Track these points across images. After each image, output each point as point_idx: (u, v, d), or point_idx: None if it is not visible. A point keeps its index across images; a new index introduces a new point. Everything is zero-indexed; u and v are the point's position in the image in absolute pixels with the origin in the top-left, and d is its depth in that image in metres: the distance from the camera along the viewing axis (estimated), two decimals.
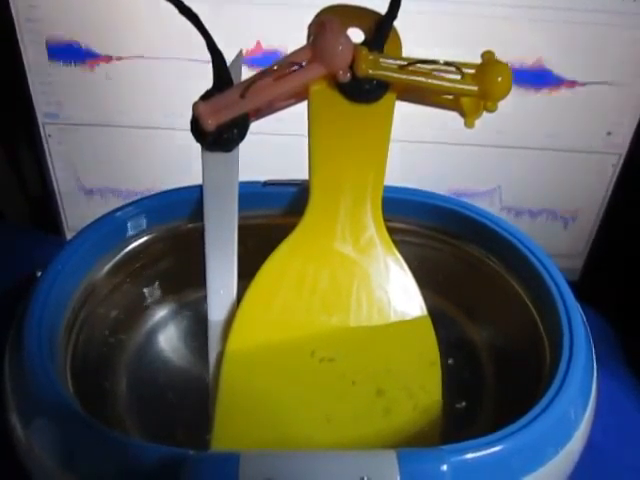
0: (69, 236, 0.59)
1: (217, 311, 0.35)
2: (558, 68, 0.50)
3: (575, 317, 0.33)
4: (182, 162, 0.52)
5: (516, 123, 0.52)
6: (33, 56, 0.51)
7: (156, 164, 0.55)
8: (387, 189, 0.36)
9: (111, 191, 0.57)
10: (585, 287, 0.35)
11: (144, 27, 0.49)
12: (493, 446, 0.27)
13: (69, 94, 0.52)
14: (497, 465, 0.27)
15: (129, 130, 0.54)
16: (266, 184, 0.41)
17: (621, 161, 0.54)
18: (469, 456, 0.26)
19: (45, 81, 0.52)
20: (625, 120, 0.52)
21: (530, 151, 0.53)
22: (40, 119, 0.54)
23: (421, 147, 0.53)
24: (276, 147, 0.53)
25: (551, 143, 0.53)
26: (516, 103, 0.50)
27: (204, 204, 0.36)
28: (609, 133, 0.52)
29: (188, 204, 0.40)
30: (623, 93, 0.51)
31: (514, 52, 0.49)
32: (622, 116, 0.52)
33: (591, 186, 0.55)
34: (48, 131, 0.54)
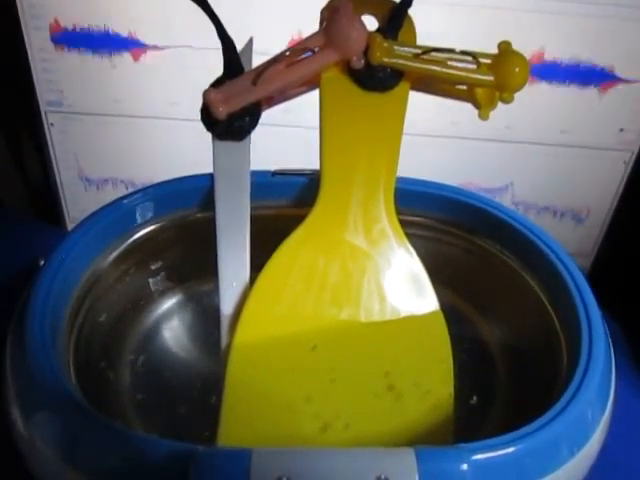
0: (70, 226, 0.58)
1: (229, 304, 0.34)
2: (570, 62, 0.50)
3: (595, 316, 0.32)
4: (186, 152, 0.52)
5: (528, 119, 0.51)
6: (36, 43, 0.50)
7: (160, 154, 0.55)
8: (400, 180, 0.36)
9: (113, 181, 0.56)
10: (593, 287, 0.34)
11: (148, 15, 0.49)
12: (512, 445, 0.26)
13: (72, 82, 0.52)
14: (515, 465, 0.26)
15: (132, 119, 0.53)
16: (275, 174, 0.40)
17: (633, 158, 0.53)
18: (489, 455, 0.25)
19: (48, 68, 0.51)
20: (638, 117, 0.51)
21: (542, 147, 0.53)
22: (42, 107, 0.53)
23: (431, 141, 0.53)
24: (285, 139, 0.52)
25: (563, 139, 0.52)
26: (528, 98, 0.50)
27: (215, 195, 0.35)
28: (622, 130, 0.52)
29: (196, 193, 0.39)
30: (636, 89, 0.50)
31: (526, 46, 0.49)
32: (635, 113, 0.51)
33: (602, 183, 0.54)
34: (50, 119, 0.53)
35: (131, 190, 0.39)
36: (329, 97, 0.34)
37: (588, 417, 0.29)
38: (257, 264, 0.35)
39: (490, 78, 0.32)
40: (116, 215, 0.38)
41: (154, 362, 0.39)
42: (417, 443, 0.30)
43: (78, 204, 0.58)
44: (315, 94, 0.34)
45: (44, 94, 0.52)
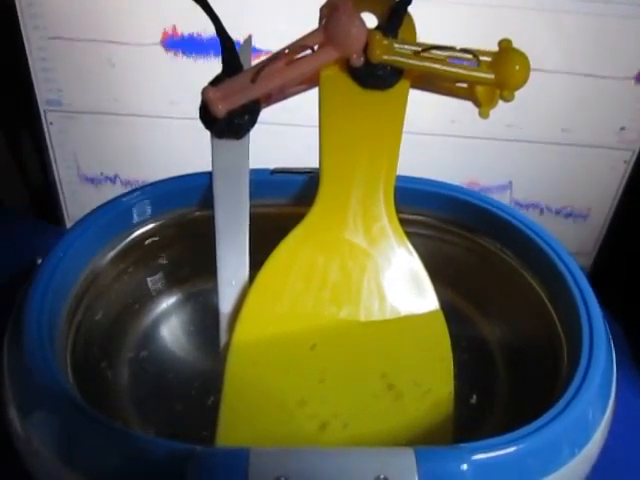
0: (69, 226, 0.58)
1: (228, 303, 0.34)
2: (571, 62, 0.49)
3: (595, 315, 0.32)
4: (185, 151, 0.52)
5: (529, 117, 0.51)
6: (35, 42, 0.50)
7: (159, 153, 0.55)
8: (400, 179, 0.35)
9: (113, 180, 0.56)
10: (594, 286, 0.34)
11: (148, 14, 0.49)
12: (512, 445, 0.26)
13: (71, 81, 0.52)
14: (516, 465, 0.26)
15: (132, 118, 0.53)
16: (275, 172, 0.40)
17: (634, 157, 0.53)
18: (489, 455, 0.25)
19: (47, 68, 0.51)
20: (639, 115, 0.51)
21: (543, 145, 0.53)
22: (42, 106, 0.53)
23: (431, 139, 0.52)
24: (284, 137, 0.52)
25: (564, 138, 0.52)
26: (529, 96, 0.49)
27: (214, 193, 0.35)
28: (623, 128, 0.52)
29: (195, 191, 0.39)
30: (637, 88, 0.50)
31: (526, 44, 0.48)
32: (636, 111, 0.51)
33: (603, 182, 0.54)
34: (49, 118, 0.53)
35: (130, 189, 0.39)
36: (328, 95, 0.34)
37: (589, 417, 0.29)
38: (256, 262, 0.35)
39: (490, 76, 0.32)
40: (114, 213, 0.37)
41: (153, 361, 0.39)
42: (417, 442, 0.30)
43: (77, 203, 0.57)
44: (314, 92, 0.34)
45: (43, 93, 0.52)
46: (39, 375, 0.28)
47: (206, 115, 0.33)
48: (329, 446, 0.31)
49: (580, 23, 0.48)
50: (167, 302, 0.42)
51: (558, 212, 0.56)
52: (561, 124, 0.52)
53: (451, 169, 0.54)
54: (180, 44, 0.49)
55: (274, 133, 0.51)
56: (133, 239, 0.39)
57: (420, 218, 0.42)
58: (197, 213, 0.40)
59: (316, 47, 0.32)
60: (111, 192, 0.56)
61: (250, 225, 0.35)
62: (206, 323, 0.41)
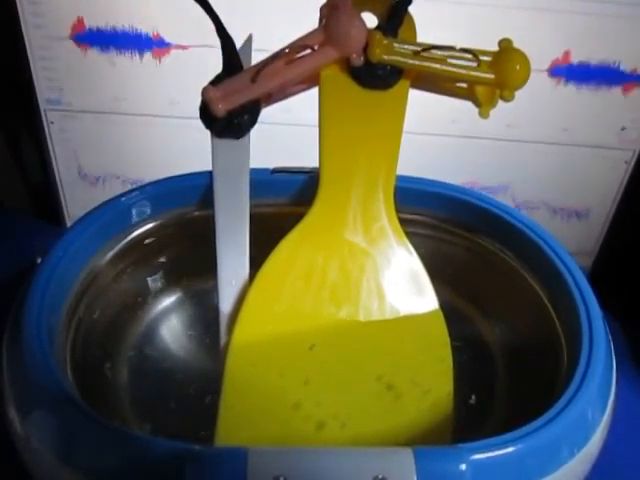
0: (70, 225, 0.58)
1: (228, 302, 0.34)
2: (571, 61, 0.49)
3: (595, 315, 0.32)
4: (186, 150, 0.52)
5: (529, 117, 0.51)
6: (36, 41, 0.50)
7: (159, 152, 0.55)
8: (399, 179, 0.35)
9: (113, 179, 0.56)
10: (594, 286, 0.34)
11: (148, 13, 0.49)
12: (511, 445, 0.26)
13: (72, 80, 0.52)
14: (515, 465, 0.26)
15: (132, 117, 0.53)
16: (275, 171, 0.40)
17: (635, 157, 0.53)
18: (488, 455, 0.25)
19: (48, 66, 0.51)
20: None
21: (543, 145, 0.53)
22: (42, 105, 0.53)
23: (432, 139, 0.52)
24: (284, 137, 0.52)
25: (565, 138, 0.52)
26: (529, 96, 0.49)
27: (214, 194, 0.35)
28: (623, 128, 0.52)
29: (194, 191, 0.39)
30: (638, 87, 0.50)
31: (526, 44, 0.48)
32: (637, 111, 0.51)
33: (604, 182, 0.54)
34: (50, 118, 0.53)
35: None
36: (328, 95, 0.34)
37: (588, 417, 0.29)
38: (256, 262, 0.35)
39: (490, 76, 0.32)
40: (114, 213, 0.37)
41: (152, 360, 0.39)
42: (416, 442, 0.30)
43: (78, 202, 0.57)
44: (314, 92, 0.34)
45: (43, 92, 0.52)
46: (38, 374, 0.28)
47: (206, 115, 0.33)
48: (328, 446, 0.31)
49: (581, 23, 0.48)
50: (167, 301, 0.42)
51: (558, 212, 0.56)
52: (561, 124, 0.52)
53: (452, 169, 0.54)
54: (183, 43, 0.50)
55: (274, 133, 0.51)
56: (133, 238, 0.39)
57: (420, 218, 0.41)
58: (196, 213, 0.40)
59: (316, 47, 0.32)
60: (111, 192, 0.56)
61: (250, 224, 0.35)
62: (206, 323, 0.41)
